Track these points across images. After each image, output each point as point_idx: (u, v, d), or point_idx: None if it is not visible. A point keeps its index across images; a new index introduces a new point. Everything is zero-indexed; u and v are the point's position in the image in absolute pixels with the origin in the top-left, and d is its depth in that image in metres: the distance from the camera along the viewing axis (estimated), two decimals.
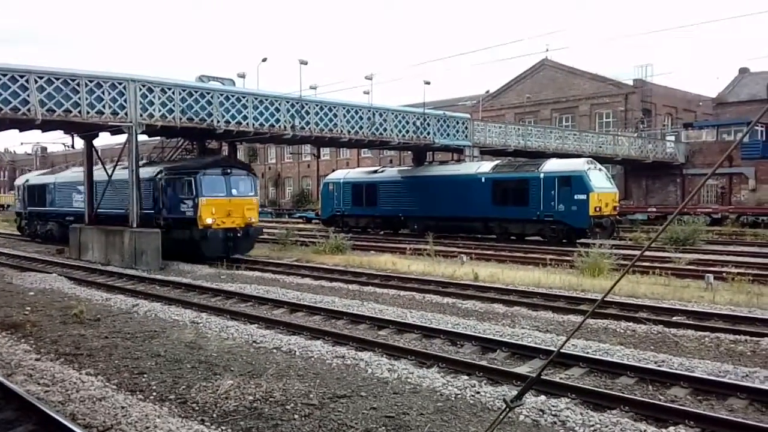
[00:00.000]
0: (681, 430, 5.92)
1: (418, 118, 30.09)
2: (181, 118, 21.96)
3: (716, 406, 6.67)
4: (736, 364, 8.07)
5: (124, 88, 20.58)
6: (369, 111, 28.03)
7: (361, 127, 27.53)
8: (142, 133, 22.32)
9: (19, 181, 36.73)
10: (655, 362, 8.07)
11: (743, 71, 52.38)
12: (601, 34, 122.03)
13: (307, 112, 25.77)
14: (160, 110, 21.43)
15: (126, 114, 20.60)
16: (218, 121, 22.91)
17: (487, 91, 58.29)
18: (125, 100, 20.61)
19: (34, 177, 34.85)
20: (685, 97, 54.19)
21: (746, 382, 7.19)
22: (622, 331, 10.16)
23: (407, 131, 29.52)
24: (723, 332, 9.61)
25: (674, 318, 10.84)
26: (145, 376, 7.79)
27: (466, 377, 7.58)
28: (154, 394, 7.11)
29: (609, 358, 8.23)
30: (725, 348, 9.02)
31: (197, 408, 6.60)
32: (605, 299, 4.38)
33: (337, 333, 10.04)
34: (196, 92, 22.56)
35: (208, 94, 22.86)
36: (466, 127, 31.89)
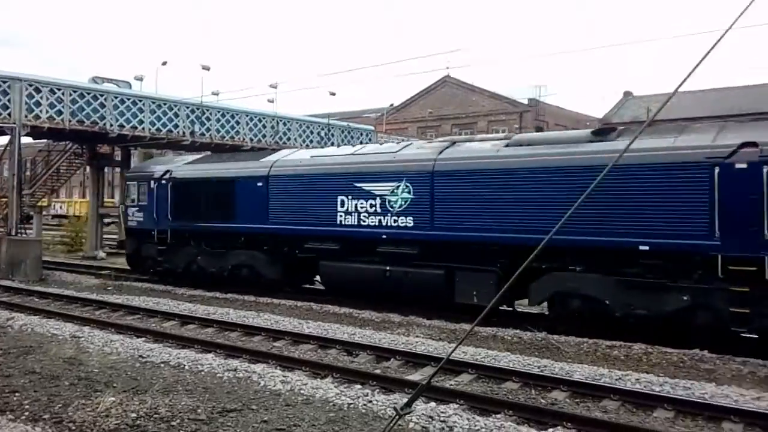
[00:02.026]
0: (559, 431, 6.25)
1: (322, 129, 30.15)
2: (70, 120, 20.90)
3: (591, 408, 7.10)
4: (611, 367, 8.62)
5: (9, 87, 19.31)
6: (273, 119, 27.76)
7: (264, 135, 27.21)
8: (27, 135, 20.98)
9: (155, 168, 18.72)
10: (538, 367, 8.47)
11: (627, 94, 56.28)
12: (500, 55, 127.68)
13: (208, 119, 25.17)
14: (47, 111, 20.27)
15: (9, 114, 19.30)
16: (111, 125, 21.94)
17: (392, 105, 59.24)
18: (9, 100, 19.33)
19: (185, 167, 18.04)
20: (575, 116, 57.54)
21: (619, 385, 7.69)
22: (509, 338, 10.60)
23: (311, 141, 29.49)
24: (600, 338, 10.24)
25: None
26: (17, 394, 7.26)
27: (359, 387, 7.63)
28: (27, 413, 6.64)
29: (496, 364, 8.56)
30: (602, 353, 9.64)
31: (74, 427, 6.23)
32: (492, 309, 4.58)
33: (230, 345, 9.82)
34: (88, 94, 21.53)
35: (102, 96, 21.88)
36: (370, 139, 32.23)
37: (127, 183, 19.39)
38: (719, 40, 4.07)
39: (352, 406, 6.88)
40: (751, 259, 9.08)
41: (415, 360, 8.92)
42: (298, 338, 10.32)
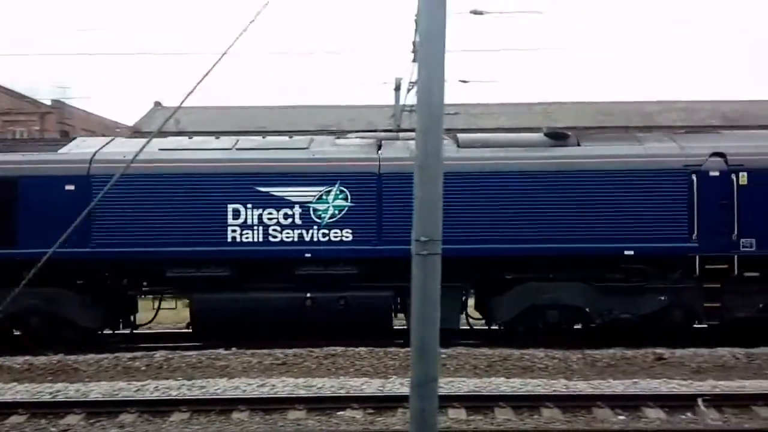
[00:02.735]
0: None
1: None
2: None
3: (107, 425, 6.81)
4: (130, 380, 8.50)
5: None
6: None
7: None
8: None
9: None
10: (50, 393, 7.75)
11: (158, 104, 56.88)
12: (18, 47, 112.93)
13: None
14: None
15: None
16: None
17: None
18: None
19: None
20: (103, 122, 55.22)
21: (138, 396, 7.64)
22: (18, 366, 9.40)
23: None
24: (124, 351, 10.02)
25: None
26: None
27: None
28: None
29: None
30: (123, 366, 9.41)
31: None
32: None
33: None
34: None
35: None
36: None
37: None
38: (218, 61, 4.49)
39: None
40: (723, 258, 10.18)
41: None
42: None
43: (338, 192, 10.28)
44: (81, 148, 10.85)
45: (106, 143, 11.07)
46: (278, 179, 10.31)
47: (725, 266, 10.23)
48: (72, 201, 9.69)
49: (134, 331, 11.60)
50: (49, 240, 8.42)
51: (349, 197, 10.30)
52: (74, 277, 10.39)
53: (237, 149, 10.75)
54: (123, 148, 10.59)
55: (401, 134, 12.19)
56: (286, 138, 12.02)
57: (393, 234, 9.91)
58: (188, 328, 11.36)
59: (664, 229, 10.31)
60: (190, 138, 11.71)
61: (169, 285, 10.65)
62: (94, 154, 10.43)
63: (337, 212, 10.30)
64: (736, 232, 10.20)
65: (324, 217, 10.29)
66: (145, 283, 10.94)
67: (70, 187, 10.03)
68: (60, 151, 10.86)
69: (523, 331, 10.60)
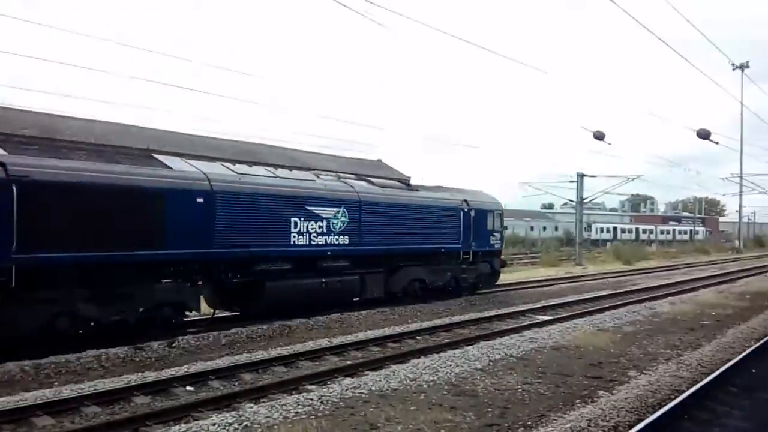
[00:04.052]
0: None
1: None
2: None
3: None
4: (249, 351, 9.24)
5: None
6: None
7: None
8: None
9: None
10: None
11: None
12: None
13: None
14: None
15: None
16: None
17: None
18: None
19: None
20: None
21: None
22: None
23: None
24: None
25: None
26: None
27: None
28: None
29: None
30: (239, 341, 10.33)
31: None
32: None
33: None
34: None
35: None
36: None
37: None
38: None
39: None
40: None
41: None
42: None
43: (343, 211, 15.37)
44: (200, 168, 12.91)
45: (216, 166, 13.52)
46: (316, 202, 14.72)
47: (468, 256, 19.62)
48: (200, 211, 12.17)
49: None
50: (185, 242, 11.87)
51: (347, 215, 15.44)
52: (197, 272, 12.55)
53: (295, 179, 14.92)
54: (226, 171, 13.34)
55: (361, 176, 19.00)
56: (315, 173, 16.77)
57: (367, 240, 16.00)
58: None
59: (452, 237, 19.01)
60: (266, 168, 15.50)
61: (255, 276, 13.43)
62: (211, 175, 12.70)
63: (342, 225, 15.29)
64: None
65: (336, 228, 15.15)
66: (239, 275, 13.20)
67: (200, 200, 12.23)
68: (177, 168, 12.46)
69: (401, 296, 17.50)
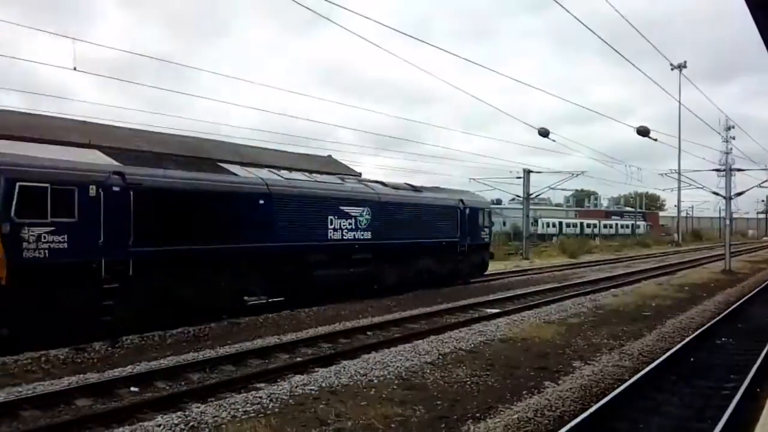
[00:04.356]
0: None
1: None
2: None
3: None
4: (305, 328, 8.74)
5: None
6: None
7: None
8: None
9: None
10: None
11: None
12: None
13: None
14: None
15: None
16: None
17: None
18: None
19: None
20: None
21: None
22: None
23: None
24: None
25: None
26: None
27: None
28: None
29: None
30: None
31: None
32: None
33: None
34: None
35: None
36: None
37: None
38: None
39: None
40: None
41: None
42: None
43: (367, 210, 17.86)
44: (258, 174, 15.29)
45: (264, 172, 15.82)
46: (350, 202, 17.27)
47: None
48: (261, 211, 14.46)
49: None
50: (251, 237, 14.05)
51: (370, 213, 17.92)
52: (259, 262, 14.52)
53: (329, 182, 17.77)
54: (276, 176, 15.70)
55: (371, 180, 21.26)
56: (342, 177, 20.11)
57: (385, 234, 18.46)
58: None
59: (449, 232, 21.55)
60: (307, 174, 18.55)
61: (303, 266, 15.71)
62: (268, 180, 15.10)
63: (366, 222, 17.75)
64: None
65: (362, 224, 17.59)
66: (290, 265, 15.35)
67: (261, 202, 14.52)
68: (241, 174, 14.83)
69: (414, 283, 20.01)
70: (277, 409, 7.25)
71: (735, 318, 15.49)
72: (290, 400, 7.61)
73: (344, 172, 72.03)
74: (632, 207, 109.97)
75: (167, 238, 12.26)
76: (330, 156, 70.18)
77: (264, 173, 15.58)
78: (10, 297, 9.86)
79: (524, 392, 8.24)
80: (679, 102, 59.96)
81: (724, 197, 31.58)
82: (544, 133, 25.64)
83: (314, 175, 18.63)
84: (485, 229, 23.94)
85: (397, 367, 9.37)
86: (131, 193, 11.57)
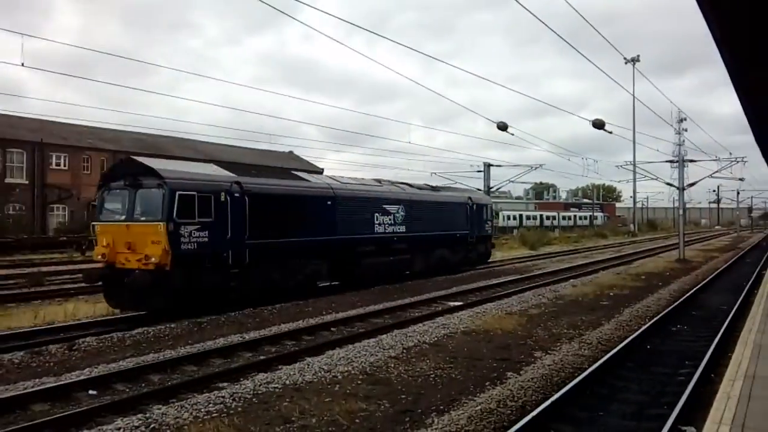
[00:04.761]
0: None
1: None
2: None
3: None
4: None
5: None
6: None
7: None
8: None
9: None
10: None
11: None
12: None
13: None
14: None
15: None
16: None
17: None
18: None
19: None
20: None
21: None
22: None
23: None
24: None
25: None
26: None
27: None
28: None
29: None
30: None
31: None
32: None
33: None
34: None
35: None
36: None
37: None
38: None
39: None
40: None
41: None
42: None
43: (402, 208, 21.11)
44: (323, 180, 19.63)
45: (324, 178, 20.54)
46: (389, 202, 20.64)
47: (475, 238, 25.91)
48: (328, 210, 17.93)
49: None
50: (322, 231, 17.58)
51: (404, 210, 21.16)
52: (325, 252, 17.79)
53: (371, 185, 21.28)
54: (334, 181, 19.40)
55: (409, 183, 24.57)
56: (386, 181, 23.25)
57: (415, 228, 21.75)
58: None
59: (462, 225, 24.94)
60: (356, 180, 21.74)
61: (356, 255, 19.08)
62: (332, 185, 18.90)
63: (401, 218, 20.99)
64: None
65: (398, 220, 20.89)
66: (347, 254, 18.71)
67: (329, 203, 17.99)
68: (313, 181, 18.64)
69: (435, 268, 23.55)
70: (240, 408, 7.17)
71: (689, 305, 15.99)
72: (254, 399, 7.54)
73: (306, 168, 71.72)
74: (590, 199, 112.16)
75: (269, 233, 15.31)
76: (291, 152, 69.74)
77: (328, 179, 19.88)
78: (172, 279, 13.00)
79: (487, 383, 8.34)
80: (633, 95, 61.45)
81: (678, 188, 32.47)
82: (502, 127, 25.94)
83: (365, 179, 22.57)
84: (488, 223, 27.48)
85: (362, 362, 9.38)
86: (246, 198, 14.67)
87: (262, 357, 10.18)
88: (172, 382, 8.62)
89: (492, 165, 45.15)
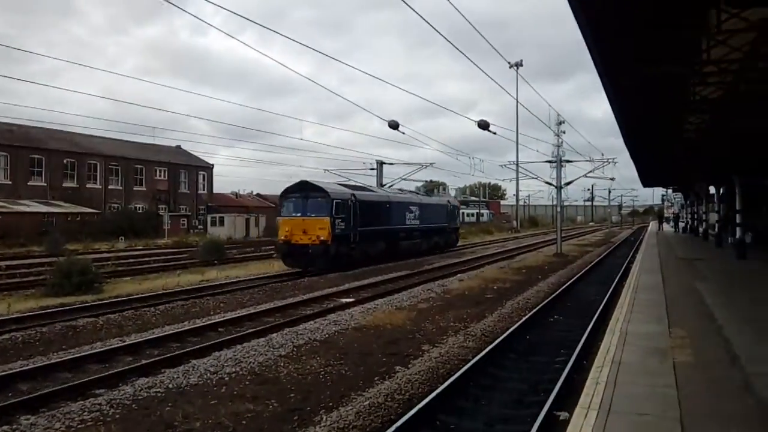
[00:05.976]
0: None
1: None
2: None
3: None
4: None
5: None
6: None
7: None
8: None
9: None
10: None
11: None
12: None
13: None
14: None
15: None
16: None
17: None
18: None
19: None
20: None
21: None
22: None
23: None
24: None
25: None
26: None
27: None
28: None
29: None
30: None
31: None
32: None
33: None
34: None
35: None
36: None
37: None
38: None
39: None
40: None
41: None
42: None
43: (418, 207, 32.34)
44: (343, 189, 26.70)
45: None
46: (413, 205, 31.98)
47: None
48: (386, 209, 28.94)
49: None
50: (378, 222, 28.80)
51: (419, 209, 32.38)
52: (382, 236, 28.07)
53: (399, 193, 32.82)
54: (382, 190, 32.03)
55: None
56: (411, 188, 38.74)
57: (424, 221, 32.85)
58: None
59: (443, 218, 36.52)
60: (382, 186, 35.09)
61: (398, 238, 29.91)
62: (389, 193, 31.30)
63: (417, 215, 31.99)
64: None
65: (416, 216, 31.93)
66: (392, 239, 29.24)
67: (387, 206, 29.14)
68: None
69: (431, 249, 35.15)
70: (118, 415, 6.82)
71: (565, 297, 17.01)
72: (133, 405, 7.20)
73: (195, 163, 69.06)
74: (477, 196, 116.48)
75: (366, 224, 25.82)
76: (179, 147, 67.05)
77: (385, 191, 31.82)
78: (331, 248, 23.27)
79: (376, 378, 8.45)
80: (516, 98, 64.57)
81: (556, 186, 34.43)
82: (394, 125, 26.37)
83: (391, 188, 34.65)
84: (458, 218, 40.88)
85: (250, 362, 9.21)
86: (357, 203, 25.14)
87: (143, 361, 9.71)
88: (42, 391, 8.03)
89: (385, 163, 45.68)
